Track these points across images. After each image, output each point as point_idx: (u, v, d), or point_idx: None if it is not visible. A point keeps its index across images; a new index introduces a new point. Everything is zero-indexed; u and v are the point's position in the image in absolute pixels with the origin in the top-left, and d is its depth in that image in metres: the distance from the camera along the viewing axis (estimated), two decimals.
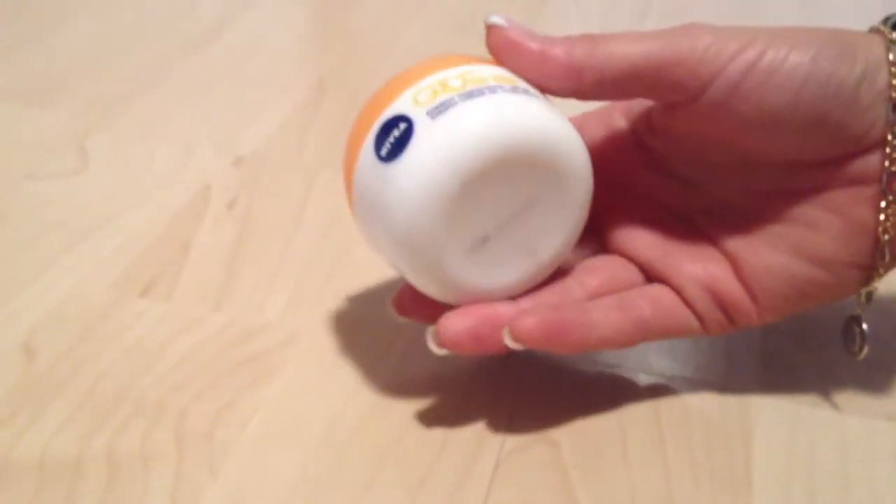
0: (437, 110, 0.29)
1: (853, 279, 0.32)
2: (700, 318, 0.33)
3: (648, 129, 0.34)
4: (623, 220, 0.34)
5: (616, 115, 0.35)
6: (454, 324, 0.30)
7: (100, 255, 0.39)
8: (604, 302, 0.32)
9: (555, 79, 0.30)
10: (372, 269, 0.39)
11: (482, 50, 0.32)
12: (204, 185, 0.44)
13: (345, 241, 0.41)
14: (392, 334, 0.36)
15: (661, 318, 0.32)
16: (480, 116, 0.28)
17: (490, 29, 0.31)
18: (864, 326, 0.33)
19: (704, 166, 0.34)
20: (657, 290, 0.33)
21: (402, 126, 0.29)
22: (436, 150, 0.28)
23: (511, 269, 0.31)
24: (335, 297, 0.38)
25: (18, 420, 0.32)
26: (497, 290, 0.31)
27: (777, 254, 0.32)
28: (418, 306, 0.32)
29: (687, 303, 0.33)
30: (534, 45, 0.30)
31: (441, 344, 0.30)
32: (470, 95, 0.29)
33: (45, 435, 0.31)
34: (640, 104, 0.35)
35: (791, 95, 0.30)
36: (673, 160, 0.34)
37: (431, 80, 0.30)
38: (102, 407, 0.32)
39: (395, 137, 0.29)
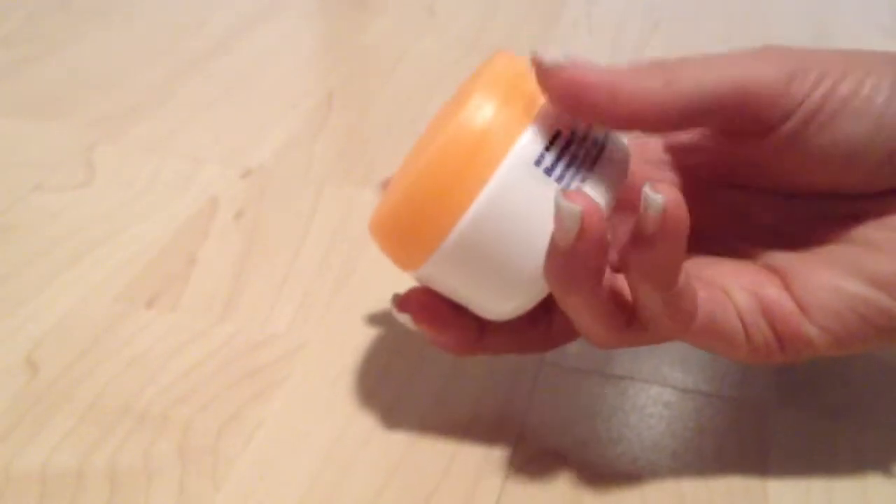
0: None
1: None
2: (746, 328, 0.28)
3: (693, 154, 0.31)
4: None
5: (651, 144, 0.33)
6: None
7: (105, 267, 0.39)
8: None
9: (636, 121, 0.26)
10: (378, 282, 0.39)
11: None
12: (211, 198, 0.44)
13: (351, 255, 0.40)
14: (399, 347, 0.36)
15: (711, 306, 0.28)
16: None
17: (548, 71, 0.26)
18: None
19: (754, 194, 0.31)
20: (706, 283, 0.29)
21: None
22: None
23: None
24: (341, 309, 0.38)
25: (20, 433, 0.31)
26: None
27: (833, 272, 0.28)
28: (425, 305, 0.30)
29: (734, 307, 0.28)
30: (603, 90, 0.26)
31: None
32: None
33: (47, 448, 0.31)
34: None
35: (870, 124, 0.27)
36: (717, 186, 0.31)
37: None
38: (105, 420, 0.32)
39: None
